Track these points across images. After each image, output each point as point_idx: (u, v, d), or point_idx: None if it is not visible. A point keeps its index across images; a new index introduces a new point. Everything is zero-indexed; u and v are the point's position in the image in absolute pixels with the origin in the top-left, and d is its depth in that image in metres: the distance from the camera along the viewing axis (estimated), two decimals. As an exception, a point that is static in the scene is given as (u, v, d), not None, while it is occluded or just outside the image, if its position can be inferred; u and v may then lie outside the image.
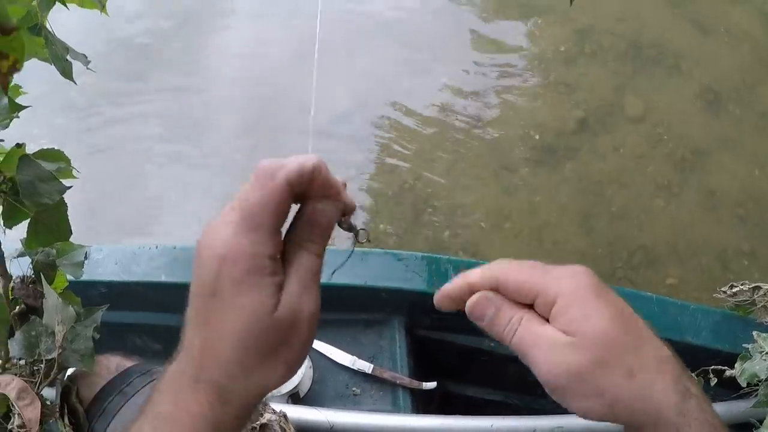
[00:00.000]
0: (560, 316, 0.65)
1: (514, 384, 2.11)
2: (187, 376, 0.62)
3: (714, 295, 1.92)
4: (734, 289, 1.86)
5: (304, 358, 0.69)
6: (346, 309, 1.90)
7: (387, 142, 4.07)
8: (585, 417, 0.66)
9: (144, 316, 1.95)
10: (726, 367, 1.71)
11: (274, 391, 1.57)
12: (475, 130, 4.12)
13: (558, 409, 1.88)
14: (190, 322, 0.63)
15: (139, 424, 0.64)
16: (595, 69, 4.50)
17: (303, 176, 0.60)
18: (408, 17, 4.80)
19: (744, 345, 1.67)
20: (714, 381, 1.73)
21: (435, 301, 0.74)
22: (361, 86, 4.36)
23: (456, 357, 2.06)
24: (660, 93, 4.38)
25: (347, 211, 0.67)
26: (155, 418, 0.63)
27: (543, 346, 0.65)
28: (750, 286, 1.85)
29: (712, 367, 1.74)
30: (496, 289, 0.69)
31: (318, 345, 1.85)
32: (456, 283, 0.72)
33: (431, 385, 1.82)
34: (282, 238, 0.63)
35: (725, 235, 3.68)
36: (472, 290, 0.71)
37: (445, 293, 0.73)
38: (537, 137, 4.03)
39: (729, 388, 1.72)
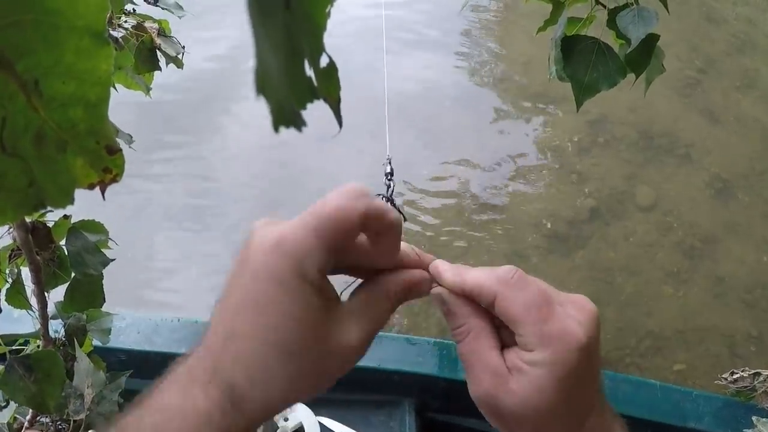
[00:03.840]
0: (524, 363, 0.60)
1: None
2: (202, 369, 0.56)
3: (716, 381, 1.99)
4: (735, 376, 1.92)
5: (331, 383, 0.59)
6: (359, 389, 1.93)
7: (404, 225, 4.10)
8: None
9: None
10: None
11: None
12: (488, 216, 4.18)
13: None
14: (218, 313, 0.57)
15: (137, 416, 0.57)
16: (607, 158, 4.60)
17: (379, 214, 0.56)
18: (427, 104, 4.91)
19: (744, 430, 1.74)
20: None
21: (430, 268, 0.67)
22: (375, 170, 4.37)
23: (465, 440, 2.10)
24: (670, 181, 4.47)
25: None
26: (157, 411, 0.56)
27: (482, 371, 0.62)
28: (750, 373, 1.91)
29: None
30: (489, 303, 0.63)
31: (329, 423, 1.87)
32: (453, 274, 0.66)
33: None
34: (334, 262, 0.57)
35: (733, 321, 3.70)
36: (462, 291, 0.65)
37: (438, 269, 0.67)
38: (549, 225, 4.08)
39: None
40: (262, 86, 0.36)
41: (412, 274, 0.64)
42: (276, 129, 0.37)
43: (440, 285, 0.66)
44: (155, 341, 1.93)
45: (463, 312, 0.65)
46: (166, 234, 4.09)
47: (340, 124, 0.47)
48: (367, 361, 1.89)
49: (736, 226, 4.23)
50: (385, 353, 1.96)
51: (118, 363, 1.85)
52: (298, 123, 0.39)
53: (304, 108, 0.39)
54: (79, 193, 0.49)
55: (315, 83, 0.40)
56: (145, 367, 1.88)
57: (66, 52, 0.42)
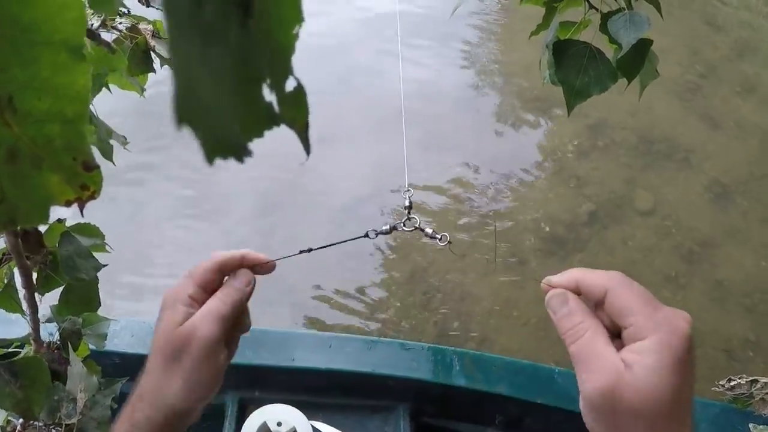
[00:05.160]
0: (637, 353, 0.66)
1: None
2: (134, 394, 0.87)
3: (713, 388, 1.98)
4: (732, 383, 1.91)
5: (203, 388, 0.85)
6: (353, 394, 1.92)
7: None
8: None
9: None
10: None
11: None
12: (487, 219, 4.18)
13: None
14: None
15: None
16: (606, 163, 4.60)
17: (231, 260, 0.91)
18: (427, 105, 4.89)
19: None
20: None
21: (543, 287, 0.78)
22: (375, 173, 4.44)
23: (459, 445, 2.10)
24: (669, 186, 4.47)
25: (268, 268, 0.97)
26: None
27: (600, 366, 0.66)
28: (747, 380, 1.89)
29: None
30: (599, 299, 0.72)
31: (323, 428, 1.86)
32: (566, 276, 0.76)
33: None
34: (206, 292, 0.88)
35: (731, 326, 3.70)
36: (576, 286, 0.75)
37: (551, 280, 0.78)
38: (547, 229, 4.09)
39: None
40: (188, 115, 0.34)
41: (234, 281, 0.90)
42: (210, 161, 0.36)
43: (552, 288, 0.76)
44: (149, 344, 1.90)
45: (580, 310, 0.73)
46: (165, 233, 4.09)
47: (308, 151, 0.48)
48: (362, 366, 1.91)
49: (735, 230, 4.23)
50: (380, 358, 1.96)
51: (112, 366, 1.83)
52: (240, 153, 0.39)
53: (260, 135, 0.39)
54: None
55: (277, 109, 0.39)
56: (139, 371, 1.91)
57: (42, 68, 0.43)
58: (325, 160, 4.44)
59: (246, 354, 1.88)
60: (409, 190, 1.09)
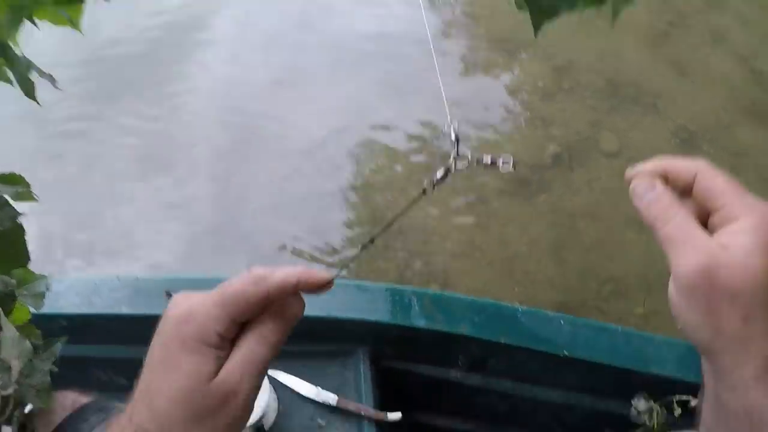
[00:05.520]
0: (730, 234, 0.65)
1: (483, 414, 2.11)
2: (125, 417, 0.68)
3: (678, 327, 1.93)
4: None
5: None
6: (310, 340, 1.87)
7: (361, 171, 4.11)
8: (682, 326, 0.68)
9: (107, 350, 1.91)
10: (691, 397, 1.74)
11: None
12: (450, 161, 4.07)
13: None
14: (143, 368, 0.69)
15: None
16: (572, 104, 4.56)
17: (283, 291, 0.68)
18: (389, 49, 4.85)
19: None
20: (678, 411, 1.75)
21: (626, 175, 0.76)
22: (338, 115, 4.39)
23: (423, 388, 2.05)
24: (635, 130, 4.45)
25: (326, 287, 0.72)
26: None
27: (696, 246, 0.65)
28: None
29: (677, 397, 1.76)
30: (688, 183, 0.71)
31: (282, 377, 1.82)
32: (653, 163, 0.74)
33: (396, 416, 1.80)
34: (239, 327, 0.69)
35: None
36: (664, 174, 0.73)
37: (638, 168, 0.75)
38: (512, 169, 3.95)
39: (696, 418, 1.72)
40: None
41: (283, 315, 0.71)
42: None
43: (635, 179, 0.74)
44: (95, 303, 1.83)
45: (669, 194, 0.71)
46: (116, 187, 4.02)
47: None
48: (317, 310, 1.84)
49: None
50: (336, 301, 1.89)
51: (60, 330, 1.73)
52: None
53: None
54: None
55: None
56: (87, 331, 1.81)
57: None
58: (281, 103, 4.41)
59: None
60: (452, 124, 0.95)
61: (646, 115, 4.56)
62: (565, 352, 1.83)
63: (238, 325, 0.68)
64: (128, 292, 1.85)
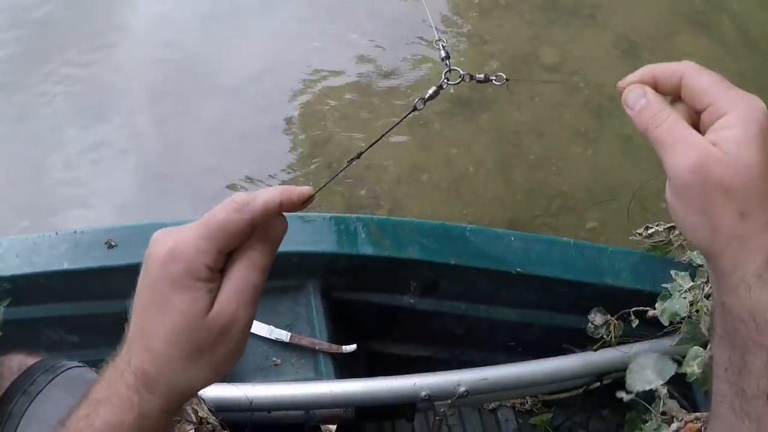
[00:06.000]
0: (720, 130, 0.67)
1: (440, 338, 2.10)
2: (122, 361, 0.69)
3: (630, 237, 1.92)
4: (650, 231, 1.87)
5: (231, 366, 0.71)
6: None
7: (299, 102, 4.01)
8: (681, 229, 0.73)
9: (54, 308, 1.83)
10: (648, 308, 1.74)
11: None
12: (387, 84, 4.08)
13: (485, 361, 1.87)
14: (132, 310, 0.69)
15: (77, 409, 0.70)
16: (510, 20, 4.48)
17: (267, 214, 0.69)
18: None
19: (663, 285, 1.69)
20: (636, 322, 1.75)
21: (617, 87, 0.78)
22: (271, 47, 4.28)
23: (376, 316, 2.03)
24: (576, 42, 4.38)
25: (307, 202, 0.73)
26: (90, 404, 0.69)
27: (687, 144, 0.67)
28: (665, 227, 1.86)
29: (634, 308, 1.76)
30: (675, 86, 0.73)
31: None
32: (640, 72, 0.76)
33: (351, 348, 1.78)
34: (226, 257, 0.69)
35: (643, 178, 3.65)
36: (653, 80, 0.75)
37: (624, 81, 0.77)
38: (451, 90, 3.92)
39: (653, 327, 1.74)
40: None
41: (269, 237, 0.72)
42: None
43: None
44: (36, 262, 1.75)
45: (659, 99, 0.73)
46: (58, 139, 3.87)
47: None
48: None
49: None
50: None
51: (3, 293, 1.67)
52: None
53: None
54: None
55: None
56: (31, 292, 1.74)
57: None
58: (215, 39, 4.29)
59: (139, 253, 1.71)
60: (441, 39, 0.97)
61: (585, 27, 4.49)
62: (518, 269, 1.81)
63: (225, 254, 0.68)
64: (68, 246, 1.77)
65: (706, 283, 1.64)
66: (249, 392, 1.55)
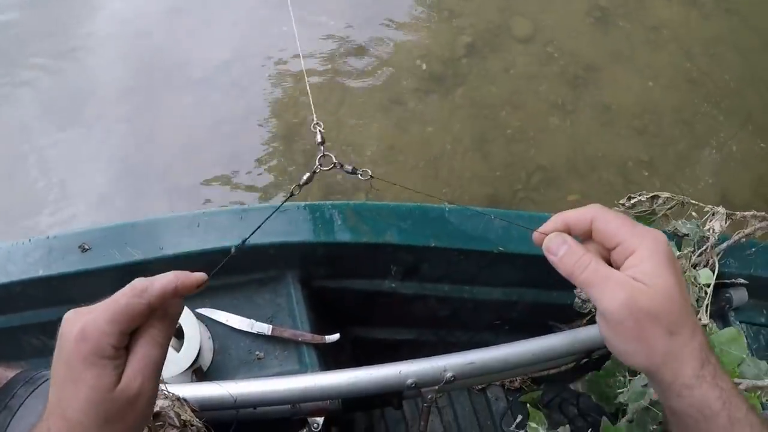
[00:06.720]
0: (634, 266, 0.78)
1: (425, 321, 2.08)
2: (42, 430, 0.76)
3: (613, 208, 1.90)
4: (633, 200, 1.83)
5: (139, 426, 0.80)
6: (236, 272, 1.81)
7: (269, 88, 3.97)
8: (618, 356, 0.81)
9: (33, 315, 1.81)
10: None
11: (175, 369, 1.57)
12: (358, 64, 4.03)
13: (471, 341, 1.84)
14: (51, 382, 0.77)
15: None
16: (479, -10, 4.46)
17: (163, 298, 0.78)
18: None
19: None
20: None
21: (534, 238, 0.88)
22: (238, 35, 4.23)
23: (359, 303, 2.00)
24: (547, 12, 4.35)
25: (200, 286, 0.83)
26: None
27: (615, 283, 0.77)
28: (648, 196, 1.82)
29: None
30: (587, 229, 0.84)
31: (213, 313, 1.76)
32: (553, 220, 0.87)
33: (334, 337, 1.76)
34: (129, 336, 0.78)
35: (624, 148, 3.70)
36: (566, 226, 0.85)
37: (541, 230, 0.87)
38: (424, 67, 3.96)
39: None
40: None
41: (167, 317, 0.81)
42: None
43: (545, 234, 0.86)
44: (11, 270, 1.72)
45: (578, 245, 0.83)
46: (30, 140, 3.83)
47: None
48: (237, 239, 1.73)
49: (619, 53, 4.19)
50: (253, 227, 1.79)
51: None
52: None
53: None
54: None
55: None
56: (9, 301, 1.72)
57: None
58: (180, 31, 4.24)
59: (113, 255, 1.70)
60: (319, 123, 1.08)
61: (556, -6, 4.48)
62: (500, 248, 1.77)
63: (128, 334, 0.77)
64: (42, 253, 1.74)
65: (693, 252, 1.64)
66: (233, 390, 1.51)
